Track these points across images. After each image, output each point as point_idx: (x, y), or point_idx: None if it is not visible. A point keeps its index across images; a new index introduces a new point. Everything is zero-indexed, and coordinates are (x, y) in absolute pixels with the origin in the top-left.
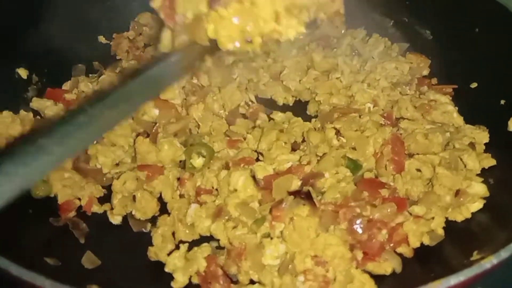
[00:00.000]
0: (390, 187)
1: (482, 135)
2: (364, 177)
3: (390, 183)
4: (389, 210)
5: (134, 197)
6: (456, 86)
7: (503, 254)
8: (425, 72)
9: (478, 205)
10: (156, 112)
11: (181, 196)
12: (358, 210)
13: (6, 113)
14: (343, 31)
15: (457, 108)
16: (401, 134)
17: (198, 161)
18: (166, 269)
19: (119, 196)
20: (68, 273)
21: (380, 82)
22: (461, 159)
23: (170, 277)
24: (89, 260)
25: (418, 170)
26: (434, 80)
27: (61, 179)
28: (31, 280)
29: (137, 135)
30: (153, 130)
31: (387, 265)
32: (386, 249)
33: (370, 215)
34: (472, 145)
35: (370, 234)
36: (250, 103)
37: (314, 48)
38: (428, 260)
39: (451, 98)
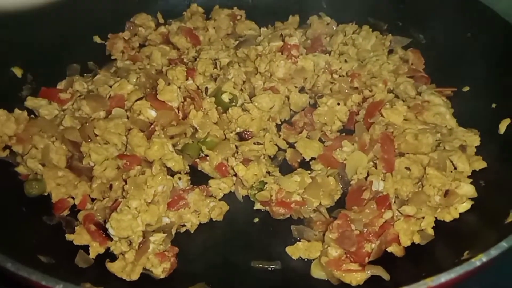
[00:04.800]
0: (368, 188)
1: (473, 138)
2: (349, 190)
3: (376, 183)
4: (367, 210)
5: (111, 186)
6: (455, 89)
7: (493, 252)
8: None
9: (466, 205)
10: (152, 113)
11: None
12: (353, 227)
13: (0, 111)
14: (334, 28)
15: (453, 110)
16: (391, 132)
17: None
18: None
19: (98, 181)
20: (61, 271)
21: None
22: (451, 161)
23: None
24: (82, 259)
25: (408, 168)
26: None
27: (54, 177)
28: (27, 275)
29: None
30: (150, 128)
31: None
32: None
33: (360, 229)
34: (462, 148)
35: (359, 247)
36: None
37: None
38: (419, 259)
39: (446, 99)
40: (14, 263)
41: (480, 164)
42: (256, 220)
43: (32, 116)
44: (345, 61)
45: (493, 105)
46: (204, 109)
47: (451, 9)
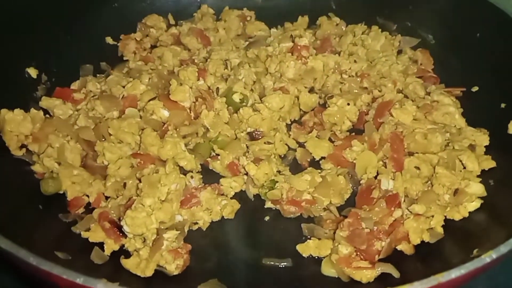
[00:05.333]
0: (377, 187)
1: (482, 138)
2: (359, 189)
3: (385, 182)
4: (377, 209)
5: (124, 185)
6: (464, 89)
7: (503, 249)
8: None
9: (475, 204)
10: (165, 113)
11: None
12: (363, 225)
13: (17, 111)
14: (343, 28)
15: (462, 109)
16: (401, 132)
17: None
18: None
19: (112, 180)
20: (78, 266)
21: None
22: (460, 161)
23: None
24: (97, 256)
25: (417, 167)
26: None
27: (70, 176)
28: (49, 269)
29: None
30: (163, 128)
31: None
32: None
33: (370, 227)
34: (471, 147)
35: (369, 245)
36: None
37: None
38: (428, 257)
39: (455, 99)
40: (35, 257)
41: (489, 163)
42: (267, 218)
43: (47, 115)
44: (355, 61)
45: (502, 105)
46: (216, 109)
47: (460, 9)
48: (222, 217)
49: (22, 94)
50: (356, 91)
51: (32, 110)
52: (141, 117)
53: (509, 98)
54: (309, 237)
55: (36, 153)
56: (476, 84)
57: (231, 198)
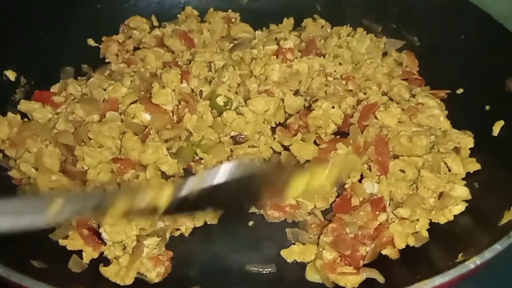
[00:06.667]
0: (355, 195)
1: (467, 140)
2: (335, 203)
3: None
4: (362, 213)
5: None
6: (449, 91)
7: (487, 255)
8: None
9: (460, 207)
10: (146, 116)
11: None
12: (347, 230)
13: None
14: (329, 30)
15: (447, 112)
16: (386, 135)
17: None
18: None
19: (92, 185)
20: (54, 275)
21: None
22: (445, 163)
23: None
24: (75, 264)
25: (402, 171)
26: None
27: (48, 181)
28: (18, 281)
29: None
30: (145, 132)
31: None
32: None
33: (355, 232)
34: (456, 150)
35: (353, 250)
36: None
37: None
38: (414, 262)
39: (439, 102)
40: (5, 268)
41: (474, 166)
42: (251, 223)
43: (26, 119)
44: (340, 63)
45: (487, 107)
46: (199, 112)
47: (445, 11)
48: (205, 222)
49: (0, 98)
50: (341, 93)
51: (9, 114)
52: (122, 121)
53: (493, 100)
54: (293, 242)
55: (13, 158)
56: (460, 86)
57: None
